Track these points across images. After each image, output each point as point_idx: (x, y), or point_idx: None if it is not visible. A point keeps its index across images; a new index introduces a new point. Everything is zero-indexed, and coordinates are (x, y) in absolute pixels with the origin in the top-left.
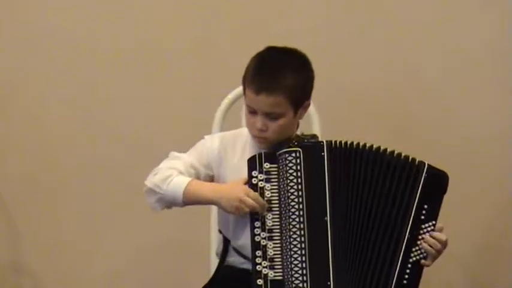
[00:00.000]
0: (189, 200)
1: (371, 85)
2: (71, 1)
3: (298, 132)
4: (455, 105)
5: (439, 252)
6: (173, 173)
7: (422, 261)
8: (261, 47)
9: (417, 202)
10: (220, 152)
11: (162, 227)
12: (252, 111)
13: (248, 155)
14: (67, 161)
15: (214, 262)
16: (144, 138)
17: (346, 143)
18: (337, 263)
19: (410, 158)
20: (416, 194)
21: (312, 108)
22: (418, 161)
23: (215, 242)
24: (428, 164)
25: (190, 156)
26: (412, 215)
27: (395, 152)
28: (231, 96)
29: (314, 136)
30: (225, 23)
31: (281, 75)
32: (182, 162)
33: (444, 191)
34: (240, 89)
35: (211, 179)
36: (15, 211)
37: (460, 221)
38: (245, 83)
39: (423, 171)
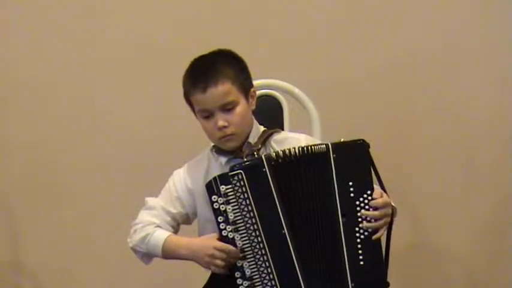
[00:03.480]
0: (169, 257)
1: (371, 84)
2: (70, 2)
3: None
4: (456, 104)
5: (386, 216)
6: (150, 231)
7: (374, 236)
8: (261, 47)
9: (337, 184)
10: (188, 183)
11: None
12: (208, 115)
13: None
14: (67, 162)
15: None
16: (144, 138)
17: (284, 152)
18: (305, 272)
19: (319, 146)
20: (332, 177)
21: (312, 108)
22: (324, 144)
23: None
24: (333, 143)
25: (162, 199)
26: (337, 198)
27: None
28: None
29: (271, 134)
30: (226, 24)
31: (218, 66)
32: (157, 213)
33: (366, 158)
34: None
35: (187, 217)
36: (15, 211)
37: (460, 220)
38: (189, 96)
39: (330, 153)
